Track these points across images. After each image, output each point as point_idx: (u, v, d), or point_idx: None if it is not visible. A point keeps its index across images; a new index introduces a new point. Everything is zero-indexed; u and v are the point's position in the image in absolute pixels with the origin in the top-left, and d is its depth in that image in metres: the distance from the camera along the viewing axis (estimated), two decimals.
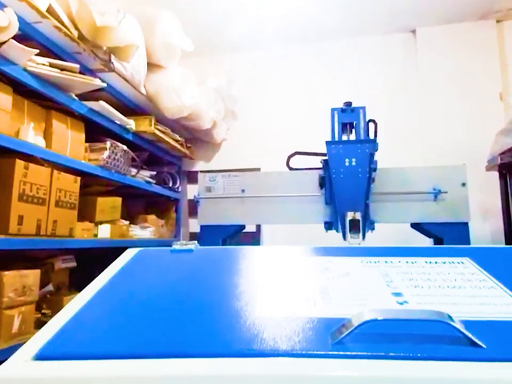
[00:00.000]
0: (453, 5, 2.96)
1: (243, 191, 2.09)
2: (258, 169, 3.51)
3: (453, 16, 3.07)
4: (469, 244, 1.84)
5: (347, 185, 1.77)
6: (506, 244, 2.45)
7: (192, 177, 3.72)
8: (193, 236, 3.61)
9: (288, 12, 3.09)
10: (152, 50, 2.51)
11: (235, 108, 3.58)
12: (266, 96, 3.61)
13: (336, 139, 1.90)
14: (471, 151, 2.94)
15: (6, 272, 1.42)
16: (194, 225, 3.64)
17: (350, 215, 1.67)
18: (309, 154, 2.13)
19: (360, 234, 1.66)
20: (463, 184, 1.89)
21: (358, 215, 1.67)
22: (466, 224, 1.85)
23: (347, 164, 1.77)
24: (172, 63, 2.67)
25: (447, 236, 1.87)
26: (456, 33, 3.14)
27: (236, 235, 2.23)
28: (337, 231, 1.82)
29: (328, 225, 1.91)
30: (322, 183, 1.93)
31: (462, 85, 3.10)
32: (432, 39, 3.20)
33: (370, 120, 1.93)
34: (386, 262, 0.97)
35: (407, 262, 0.97)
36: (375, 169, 1.83)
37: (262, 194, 2.12)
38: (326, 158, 2.00)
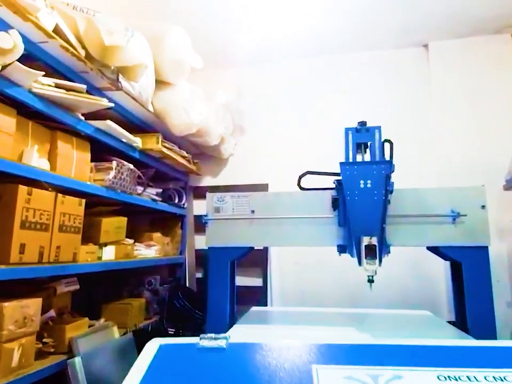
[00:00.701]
0: (467, 19, 2.91)
1: (252, 211, 2.01)
2: (266, 185, 3.45)
3: (467, 31, 3.02)
4: (489, 268, 1.76)
5: (362, 208, 1.70)
6: None
7: (198, 193, 3.67)
8: (198, 254, 3.53)
9: (299, 26, 3.07)
10: (160, 67, 2.48)
11: (243, 122, 3.54)
12: (275, 111, 3.57)
13: (351, 160, 1.83)
14: (486, 168, 2.86)
15: (6, 304, 1.36)
16: (200, 242, 3.57)
17: (365, 240, 1.60)
18: (320, 174, 2.06)
19: (377, 261, 1.58)
20: (483, 207, 1.81)
21: (374, 240, 1.60)
22: (486, 248, 1.78)
23: (362, 185, 1.71)
24: (181, 80, 2.64)
25: (466, 260, 1.80)
26: (469, 47, 3.08)
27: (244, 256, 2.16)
28: (351, 256, 1.75)
29: (342, 249, 1.85)
30: (335, 204, 1.88)
31: (476, 100, 3.03)
32: (445, 54, 3.15)
33: (385, 140, 1.87)
34: (469, 379, 0.81)
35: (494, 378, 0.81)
36: (391, 191, 1.77)
37: (272, 216, 2.05)
38: (339, 178, 1.95)
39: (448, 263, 2.07)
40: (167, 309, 2.98)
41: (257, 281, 3.32)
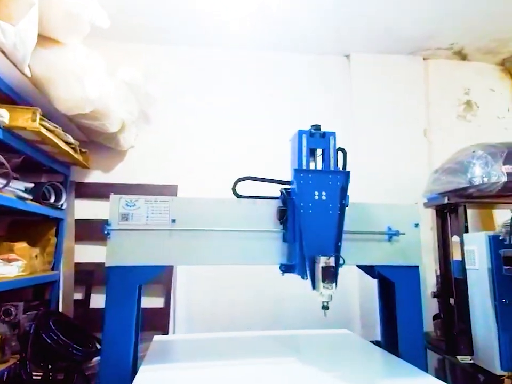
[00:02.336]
0: (386, 36, 3.05)
1: (173, 221, 1.67)
2: (175, 187, 3.01)
3: (386, 47, 3.17)
4: (420, 288, 1.78)
5: (317, 223, 1.53)
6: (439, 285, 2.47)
7: (83, 190, 2.98)
8: (79, 269, 2.84)
9: (227, 16, 2.76)
10: (47, 18, 1.84)
11: (150, 110, 3.02)
12: (189, 101, 3.16)
13: (304, 167, 1.63)
14: (400, 185, 3.00)
15: None
16: (81, 253, 2.89)
17: (322, 261, 1.42)
18: (263, 181, 1.80)
19: (334, 284, 1.42)
20: (416, 225, 1.81)
21: (332, 261, 1.43)
22: (417, 267, 1.79)
23: (317, 197, 1.54)
24: (75, 40, 2.03)
25: (399, 279, 1.77)
26: (387, 64, 3.25)
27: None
28: (302, 277, 1.53)
29: (287, 268, 1.65)
30: (282, 216, 1.66)
31: (392, 117, 3.21)
32: (365, 67, 3.25)
33: (339, 149, 1.71)
34: None
35: None
36: (347, 205, 1.60)
37: (199, 227, 1.70)
38: (287, 186, 1.74)
39: (377, 282, 2.00)
40: (33, 346, 2.25)
41: (158, 302, 2.83)
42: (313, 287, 1.46)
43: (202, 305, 2.81)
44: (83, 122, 2.44)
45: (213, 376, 1.44)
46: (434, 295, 2.43)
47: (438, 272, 2.47)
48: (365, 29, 2.96)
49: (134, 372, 1.55)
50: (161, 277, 2.79)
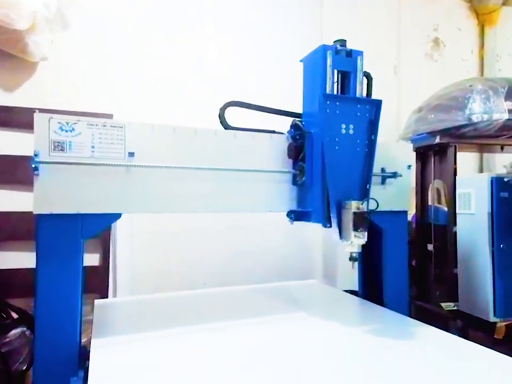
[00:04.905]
0: None
1: (131, 155, 1.29)
2: (110, 116, 2.41)
3: None
4: (406, 234, 1.70)
5: (344, 162, 1.29)
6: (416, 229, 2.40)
7: None
8: None
9: None
10: None
11: (70, 11, 2.30)
12: (124, 5, 2.48)
13: (328, 91, 1.31)
14: None
15: None
16: None
17: (354, 206, 1.20)
18: (262, 110, 1.44)
19: (366, 233, 1.23)
20: (409, 167, 1.66)
21: (365, 206, 1.23)
22: (406, 213, 1.68)
23: (343, 131, 1.29)
24: None
25: (388, 226, 1.62)
26: None
27: None
28: (324, 226, 1.31)
29: (298, 216, 1.43)
30: (297, 154, 1.37)
31: (364, 52, 2.93)
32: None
33: (364, 73, 1.41)
34: None
35: None
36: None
37: (174, 164, 1.32)
38: (298, 120, 1.44)
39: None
40: None
41: (92, 259, 2.35)
42: (340, 236, 1.24)
43: (148, 263, 2.41)
44: None
45: (182, 347, 1.19)
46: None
47: (412, 218, 2.40)
48: None
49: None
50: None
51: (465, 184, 1.92)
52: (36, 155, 1.16)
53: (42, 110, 1.80)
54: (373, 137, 1.29)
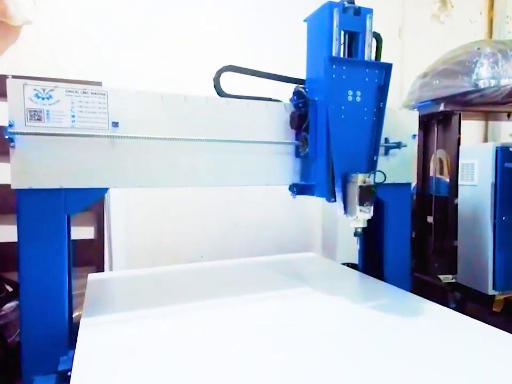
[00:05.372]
0: None
1: (115, 125, 1.19)
2: (99, 84, 2.29)
3: None
4: (409, 207, 1.62)
5: (350, 132, 1.20)
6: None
7: None
8: None
9: None
10: None
11: None
12: None
13: (334, 54, 1.20)
14: None
15: None
16: None
17: (360, 179, 1.13)
18: (261, 76, 1.34)
19: (372, 208, 1.16)
20: (414, 136, 1.57)
21: (371, 179, 1.15)
22: (410, 185, 1.61)
23: (350, 98, 1.18)
24: None
25: (390, 199, 1.56)
26: None
27: None
28: (328, 200, 1.23)
29: (301, 189, 1.35)
30: (300, 124, 1.27)
31: None
32: None
33: (374, 34, 1.31)
34: None
35: None
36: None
37: (163, 134, 1.23)
38: (302, 86, 1.33)
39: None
40: None
41: (87, 232, 2.31)
42: (345, 211, 1.16)
43: (144, 236, 2.37)
44: None
45: (179, 326, 1.13)
46: None
47: (413, 190, 2.33)
48: None
49: (71, 325, 1.19)
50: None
51: (469, 154, 1.84)
52: (10, 125, 1.07)
53: (23, 78, 1.69)
54: (381, 105, 1.19)
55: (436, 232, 2.14)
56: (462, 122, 1.98)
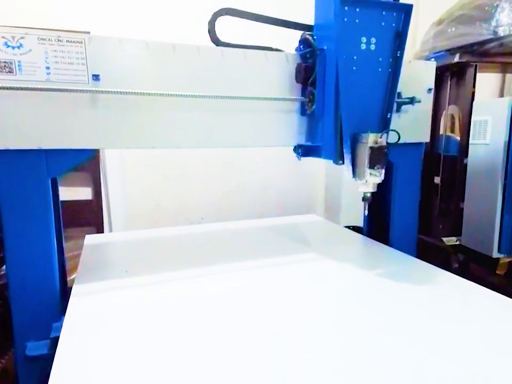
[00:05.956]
0: None
1: (96, 78, 1.07)
2: (87, 34, 2.13)
3: None
4: (420, 168, 1.51)
5: (362, 86, 1.07)
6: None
7: None
8: None
9: None
10: None
11: None
12: None
13: None
14: None
15: None
16: None
17: (371, 140, 1.02)
18: (260, 20, 1.20)
19: (383, 171, 1.06)
20: (429, 90, 1.41)
21: (384, 140, 1.04)
22: (422, 145, 1.47)
23: (363, 46, 1.04)
24: None
25: (400, 160, 1.43)
26: None
27: None
28: (335, 162, 1.12)
29: (306, 151, 1.25)
30: (307, 77, 1.14)
31: None
32: None
33: None
34: None
35: None
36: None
37: (149, 89, 1.10)
38: (309, 33, 1.18)
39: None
40: None
41: (84, 193, 2.26)
42: (354, 174, 1.06)
43: (142, 197, 2.30)
44: None
45: (179, 295, 1.06)
46: None
47: None
48: None
49: (65, 290, 1.17)
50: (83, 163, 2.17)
51: (482, 110, 1.70)
52: None
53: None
54: (398, 54, 1.04)
55: (442, 194, 2.05)
56: (477, 75, 1.82)
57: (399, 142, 1.21)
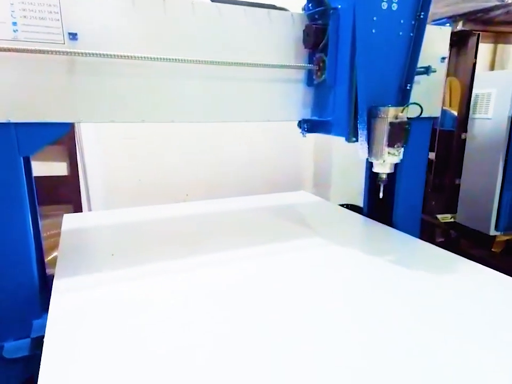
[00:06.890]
0: None
1: (73, 37, 0.92)
2: None
3: None
4: (428, 145, 1.38)
5: (382, 52, 0.94)
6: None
7: None
8: None
9: None
10: None
11: None
12: None
13: None
14: None
15: None
16: None
17: (391, 114, 0.90)
18: None
19: (403, 149, 0.95)
20: (443, 59, 1.30)
21: (405, 114, 0.92)
22: (431, 120, 1.35)
23: (384, 6, 0.91)
24: None
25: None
26: None
27: None
28: (348, 139, 1.00)
29: (312, 126, 1.12)
30: (317, 41, 0.99)
31: None
32: None
33: None
34: None
35: None
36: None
37: (135, 52, 0.95)
38: None
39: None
40: None
41: (58, 168, 2.07)
42: (370, 153, 0.95)
43: (121, 171, 2.13)
44: None
45: (171, 287, 0.95)
46: None
47: None
48: None
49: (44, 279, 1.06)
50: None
51: (485, 82, 1.62)
52: None
53: None
54: (422, 16, 0.92)
55: (436, 170, 2.00)
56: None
57: (408, 116, 1.16)
